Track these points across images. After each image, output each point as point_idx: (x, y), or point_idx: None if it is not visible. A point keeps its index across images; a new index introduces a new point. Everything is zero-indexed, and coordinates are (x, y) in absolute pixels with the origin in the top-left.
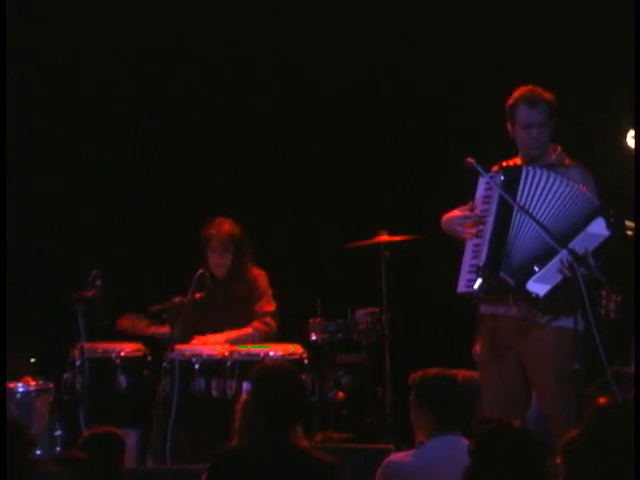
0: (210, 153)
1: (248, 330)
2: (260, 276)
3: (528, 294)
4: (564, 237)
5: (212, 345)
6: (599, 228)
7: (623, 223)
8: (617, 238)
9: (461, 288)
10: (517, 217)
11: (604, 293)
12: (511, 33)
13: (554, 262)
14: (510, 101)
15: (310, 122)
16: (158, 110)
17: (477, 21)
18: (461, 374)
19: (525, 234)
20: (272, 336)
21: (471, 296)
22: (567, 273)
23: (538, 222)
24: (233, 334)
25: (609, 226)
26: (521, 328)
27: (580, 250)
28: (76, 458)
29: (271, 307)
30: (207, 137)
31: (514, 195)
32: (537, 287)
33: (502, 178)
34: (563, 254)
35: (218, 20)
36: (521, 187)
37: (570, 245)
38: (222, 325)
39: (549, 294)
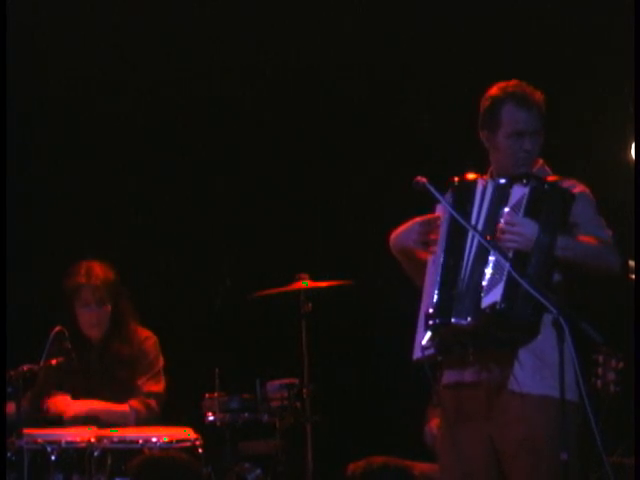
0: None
1: (123, 407)
2: (149, 340)
3: (489, 313)
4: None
5: (71, 411)
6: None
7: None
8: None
9: (417, 354)
10: (472, 244)
11: (601, 359)
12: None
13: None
14: (488, 101)
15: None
16: None
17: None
18: (418, 467)
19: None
20: (150, 423)
21: (428, 362)
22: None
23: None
24: (99, 405)
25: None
26: (492, 401)
27: None
28: None
29: (159, 387)
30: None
31: (467, 217)
32: (490, 296)
33: (451, 198)
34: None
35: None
36: (476, 208)
37: None
38: (101, 400)
39: (507, 294)
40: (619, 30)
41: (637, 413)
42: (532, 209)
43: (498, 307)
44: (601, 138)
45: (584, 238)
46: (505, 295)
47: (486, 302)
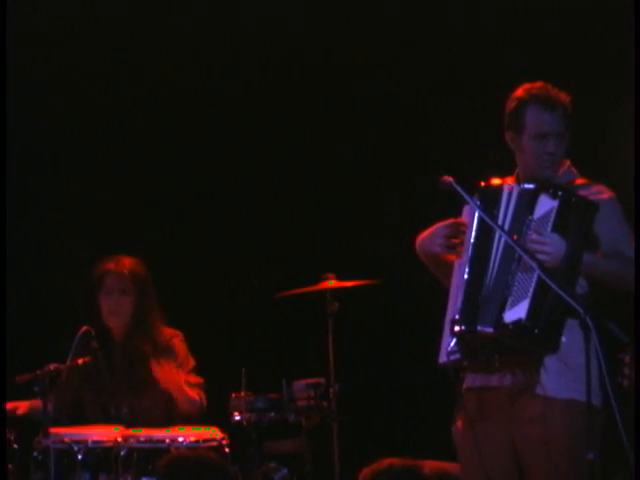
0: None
1: (193, 395)
2: (175, 338)
3: (512, 329)
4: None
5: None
6: None
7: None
8: None
9: (443, 358)
10: (497, 248)
11: (627, 358)
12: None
13: (519, 271)
14: (513, 102)
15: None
16: None
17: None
18: (429, 465)
19: (506, 267)
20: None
21: (454, 366)
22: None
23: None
24: (176, 387)
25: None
26: (515, 404)
27: None
28: None
29: (200, 379)
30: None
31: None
32: (515, 312)
33: (478, 203)
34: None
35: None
36: (502, 213)
37: None
38: (123, 399)
39: (532, 311)
40: (619, 30)
41: (637, 412)
42: (560, 224)
43: (523, 324)
44: (601, 138)
45: (606, 256)
46: (530, 312)
47: (511, 317)
